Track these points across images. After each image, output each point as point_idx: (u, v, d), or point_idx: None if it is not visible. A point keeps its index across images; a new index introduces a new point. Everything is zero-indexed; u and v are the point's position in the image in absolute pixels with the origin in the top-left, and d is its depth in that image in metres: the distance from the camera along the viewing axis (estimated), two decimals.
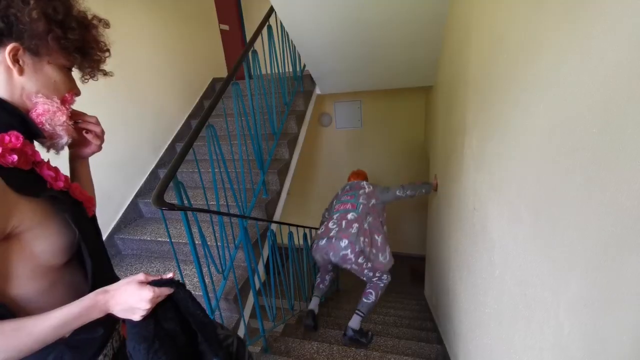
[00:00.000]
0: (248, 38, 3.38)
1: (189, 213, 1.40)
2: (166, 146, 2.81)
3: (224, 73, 3.60)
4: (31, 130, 0.58)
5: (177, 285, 0.66)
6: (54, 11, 0.55)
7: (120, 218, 2.33)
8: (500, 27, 1.04)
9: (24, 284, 0.56)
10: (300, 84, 2.90)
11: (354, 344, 2.08)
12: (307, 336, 2.23)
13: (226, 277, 1.71)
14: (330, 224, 2.14)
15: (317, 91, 3.14)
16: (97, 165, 2.53)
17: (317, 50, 2.39)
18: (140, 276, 0.61)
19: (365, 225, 2.09)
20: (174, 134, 2.90)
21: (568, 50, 0.66)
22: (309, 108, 3.00)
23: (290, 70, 2.73)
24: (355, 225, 2.05)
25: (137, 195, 2.48)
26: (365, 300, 2.13)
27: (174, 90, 2.93)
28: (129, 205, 2.40)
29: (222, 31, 3.65)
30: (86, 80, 0.67)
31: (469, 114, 1.43)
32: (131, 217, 2.41)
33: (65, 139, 0.62)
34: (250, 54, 2.01)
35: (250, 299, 1.93)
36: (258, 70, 2.11)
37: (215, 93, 1.76)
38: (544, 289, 0.77)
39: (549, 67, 0.74)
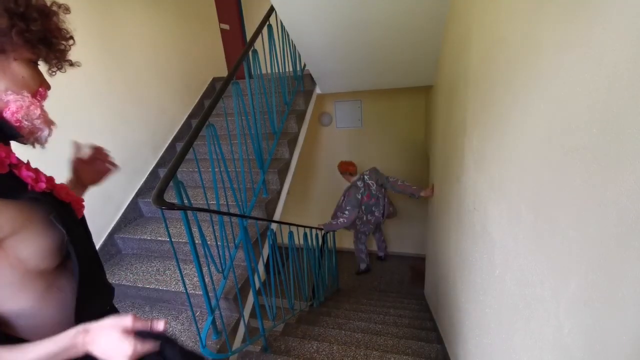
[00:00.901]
0: (248, 37, 3.37)
1: (189, 212, 1.40)
2: (166, 145, 2.81)
3: (224, 72, 3.60)
4: (4, 132, 0.56)
5: (166, 340, 0.60)
6: (15, 4, 0.53)
7: (121, 217, 2.33)
8: (500, 27, 1.04)
9: (16, 292, 0.54)
10: (301, 83, 2.89)
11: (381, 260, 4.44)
12: (307, 335, 2.24)
13: (226, 276, 1.71)
14: (377, 214, 3.53)
15: (318, 90, 3.14)
16: None
17: (317, 50, 2.39)
18: (127, 321, 0.56)
19: (386, 203, 3.59)
20: (174, 134, 2.90)
21: (568, 50, 0.66)
22: (309, 107, 3.00)
23: (291, 69, 2.73)
24: (381, 214, 3.55)
25: (137, 195, 2.48)
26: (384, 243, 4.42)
27: (174, 90, 2.93)
28: (129, 204, 2.41)
29: (222, 30, 3.64)
30: (53, 73, 0.64)
31: (469, 114, 1.43)
32: (131, 216, 2.42)
33: (46, 131, 0.60)
34: (250, 53, 2.01)
35: (250, 299, 1.93)
36: (258, 70, 2.10)
37: (215, 92, 1.75)
38: (544, 289, 0.77)
39: (549, 67, 0.74)
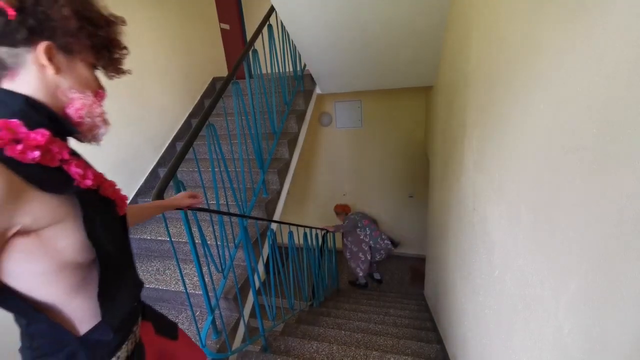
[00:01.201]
0: (248, 37, 3.38)
1: (189, 212, 1.40)
2: (166, 145, 2.81)
3: (224, 72, 3.60)
4: (64, 128, 0.58)
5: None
6: (83, 7, 0.56)
7: None
8: (500, 27, 1.04)
9: (51, 281, 0.56)
10: (301, 83, 2.90)
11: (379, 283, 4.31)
12: (307, 335, 2.24)
13: (226, 276, 1.71)
14: (381, 240, 3.92)
15: (318, 91, 3.14)
16: (99, 164, 2.54)
17: (317, 51, 2.39)
18: None
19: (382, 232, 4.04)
20: (175, 133, 2.90)
21: (568, 50, 0.66)
22: (309, 107, 3.00)
23: (291, 69, 2.73)
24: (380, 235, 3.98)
25: (137, 194, 2.48)
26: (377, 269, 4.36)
27: (174, 89, 2.93)
28: (129, 204, 2.40)
29: (222, 30, 3.64)
30: (112, 78, 0.70)
31: (469, 114, 1.43)
32: None
33: (103, 129, 0.65)
34: (250, 53, 2.01)
35: (250, 298, 1.93)
36: (258, 70, 2.10)
37: (215, 92, 1.76)
38: (544, 289, 0.77)
39: (549, 67, 0.74)
